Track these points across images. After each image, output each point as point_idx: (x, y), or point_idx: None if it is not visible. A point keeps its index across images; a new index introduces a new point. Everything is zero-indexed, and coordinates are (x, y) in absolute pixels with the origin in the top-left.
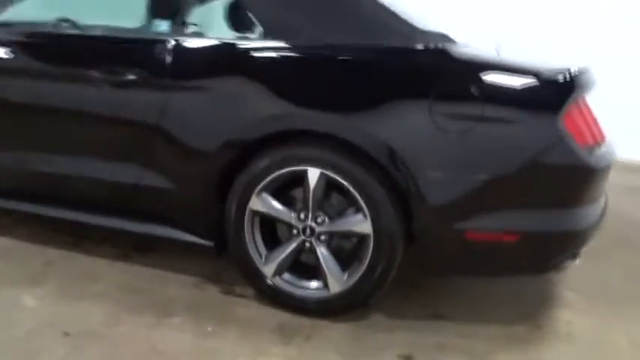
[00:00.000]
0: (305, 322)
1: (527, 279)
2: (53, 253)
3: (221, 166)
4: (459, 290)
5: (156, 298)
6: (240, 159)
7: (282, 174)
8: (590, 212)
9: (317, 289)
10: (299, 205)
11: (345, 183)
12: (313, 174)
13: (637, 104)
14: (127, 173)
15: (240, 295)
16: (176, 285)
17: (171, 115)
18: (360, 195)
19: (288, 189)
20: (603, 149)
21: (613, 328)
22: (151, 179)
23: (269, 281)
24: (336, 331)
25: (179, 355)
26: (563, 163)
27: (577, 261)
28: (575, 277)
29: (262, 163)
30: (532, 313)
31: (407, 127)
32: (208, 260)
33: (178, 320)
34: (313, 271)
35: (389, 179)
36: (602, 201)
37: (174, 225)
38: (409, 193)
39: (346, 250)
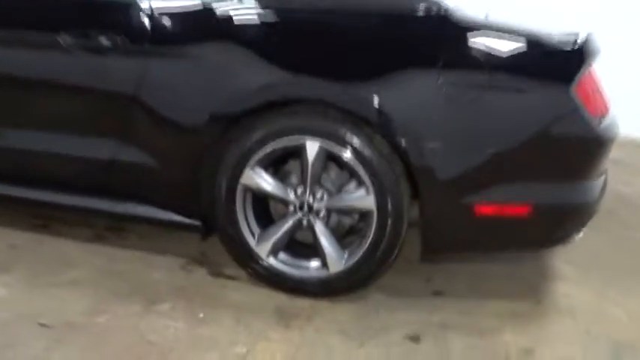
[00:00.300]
0: (304, 303)
1: (521, 254)
2: (18, 237)
3: (208, 140)
4: (454, 266)
5: (140, 283)
6: (230, 132)
7: (278, 147)
8: (598, 185)
9: (316, 269)
10: (295, 181)
11: (346, 156)
12: (312, 147)
13: (620, 79)
14: (101, 149)
15: (231, 277)
16: (160, 268)
17: (151, 85)
18: (363, 169)
19: (281, 163)
20: (609, 120)
21: (610, 301)
22: (130, 155)
23: (263, 262)
24: (337, 312)
25: (171, 345)
26: (576, 133)
27: (581, 234)
28: (567, 250)
29: (256, 135)
30: (530, 287)
31: (413, 96)
32: (191, 241)
33: (167, 306)
34: (310, 250)
35: (394, 152)
36: (605, 174)
37: (157, 204)
38: (415, 166)
39: (346, 227)
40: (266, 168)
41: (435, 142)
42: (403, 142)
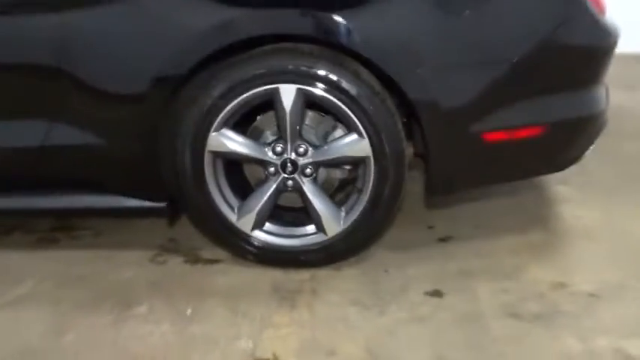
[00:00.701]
0: (303, 276)
1: (512, 185)
2: None
3: (159, 106)
4: (451, 209)
5: (106, 286)
6: (184, 91)
7: (245, 101)
8: (604, 92)
9: (310, 235)
10: (271, 137)
11: (330, 98)
12: (287, 92)
13: None
14: (28, 134)
15: (212, 261)
16: (127, 264)
17: (76, 49)
18: (352, 110)
19: (248, 122)
20: (609, 20)
21: (621, 215)
22: (65, 137)
23: (249, 237)
24: (343, 280)
25: (162, 354)
26: (586, 33)
27: (590, 149)
28: None
29: (217, 90)
30: (536, 216)
31: (397, 16)
32: (157, 228)
33: (145, 308)
34: (300, 214)
35: (386, 85)
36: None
37: (108, 191)
38: (411, 97)
39: (336, 184)
40: (234, 128)
41: (429, 66)
42: (394, 73)
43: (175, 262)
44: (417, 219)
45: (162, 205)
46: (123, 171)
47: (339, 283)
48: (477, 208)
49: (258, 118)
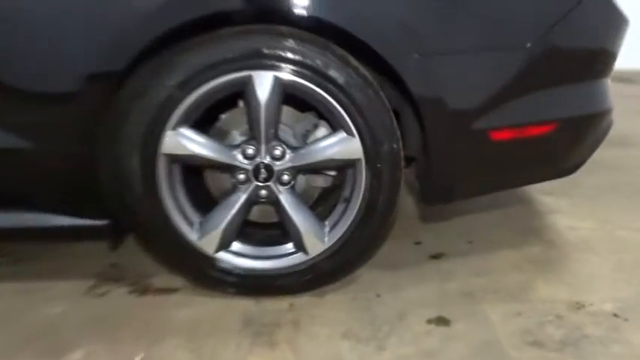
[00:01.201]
0: (281, 305)
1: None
2: None
3: (97, 103)
4: (436, 224)
5: (30, 326)
6: (130, 84)
7: (209, 91)
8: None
9: (288, 255)
10: (239, 138)
11: (314, 87)
12: (262, 81)
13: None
14: None
15: (166, 290)
16: (56, 299)
17: None
18: (341, 102)
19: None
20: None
21: (615, 224)
22: None
23: (213, 260)
24: (330, 307)
25: None
26: (599, 16)
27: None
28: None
29: (171, 79)
30: (529, 230)
31: None
32: (96, 253)
33: (81, 354)
34: (275, 231)
35: (377, 75)
36: None
37: (33, 206)
38: (412, 86)
39: (315, 195)
40: (195, 127)
41: (431, 50)
42: (390, 56)
43: (119, 294)
44: (401, 234)
45: (102, 223)
46: (53, 181)
47: (326, 312)
48: (463, 221)
49: (222, 116)
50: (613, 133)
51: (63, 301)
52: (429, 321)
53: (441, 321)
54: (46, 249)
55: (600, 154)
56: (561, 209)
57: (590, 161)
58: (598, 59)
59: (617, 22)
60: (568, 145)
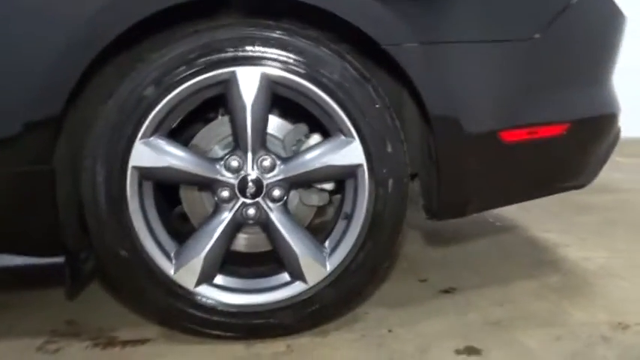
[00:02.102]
0: (277, 348)
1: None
2: None
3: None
4: (436, 259)
5: None
6: (94, 84)
7: (186, 92)
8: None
9: (282, 286)
10: (221, 153)
11: (307, 85)
12: (248, 79)
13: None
14: None
15: (134, 342)
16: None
17: None
18: (338, 100)
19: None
20: None
21: (625, 252)
22: None
23: (192, 296)
24: (336, 347)
25: None
26: (601, 7)
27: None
28: (535, 220)
29: (144, 79)
30: (540, 262)
31: None
32: (46, 307)
33: None
34: (264, 260)
35: (377, 70)
36: None
37: None
38: (419, 83)
39: (312, 214)
40: (170, 136)
41: (437, 42)
42: (393, 51)
43: (77, 348)
44: (402, 273)
45: (57, 260)
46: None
47: (331, 353)
48: (467, 258)
49: (200, 132)
50: (595, 181)
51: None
52: (458, 351)
53: (472, 351)
54: None
55: (590, 199)
56: (568, 243)
57: (582, 205)
58: (605, 54)
59: (616, 17)
60: (581, 149)
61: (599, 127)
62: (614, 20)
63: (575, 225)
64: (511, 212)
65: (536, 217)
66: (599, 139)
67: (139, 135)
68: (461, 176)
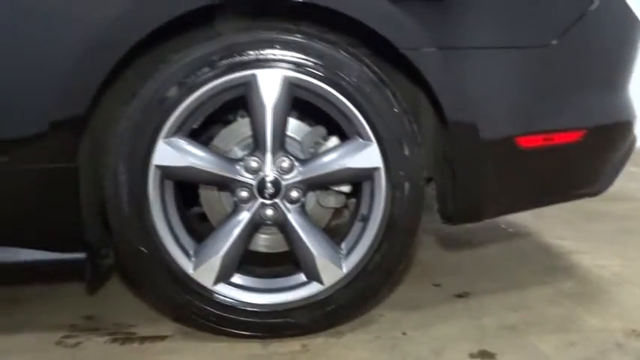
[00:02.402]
0: (292, 347)
1: (507, 242)
2: None
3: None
4: (450, 264)
5: None
6: (119, 84)
7: (208, 94)
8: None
9: (299, 286)
10: (240, 154)
11: (327, 88)
12: (269, 81)
13: None
14: None
15: (153, 338)
16: (19, 353)
17: None
18: (356, 103)
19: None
20: None
21: (638, 259)
22: None
23: (210, 294)
24: (351, 348)
25: None
26: (619, 14)
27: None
28: (547, 228)
29: (168, 80)
30: (554, 268)
31: None
32: (65, 305)
33: None
34: (280, 260)
35: (395, 73)
36: None
37: None
38: (437, 87)
39: (328, 216)
40: (191, 137)
41: (457, 47)
42: (411, 55)
43: (95, 343)
44: (416, 278)
45: (79, 256)
46: (23, 204)
47: (346, 353)
48: (481, 264)
49: (220, 133)
50: (610, 189)
51: (27, 352)
52: (472, 355)
53: (486, 354)
54: (2, 303)
55: (604, 207)
56: (582, 250)
57: (596, 213)
58: (618, 61)
59: (634, 24)
60: (597, 156)
61: (614, 134)
62: (631, 28)
63: (590, 233)
64: (525, 220)
65: (550, 224)
66: (615, 147)
67: (162, 134)
68: (476, 181)
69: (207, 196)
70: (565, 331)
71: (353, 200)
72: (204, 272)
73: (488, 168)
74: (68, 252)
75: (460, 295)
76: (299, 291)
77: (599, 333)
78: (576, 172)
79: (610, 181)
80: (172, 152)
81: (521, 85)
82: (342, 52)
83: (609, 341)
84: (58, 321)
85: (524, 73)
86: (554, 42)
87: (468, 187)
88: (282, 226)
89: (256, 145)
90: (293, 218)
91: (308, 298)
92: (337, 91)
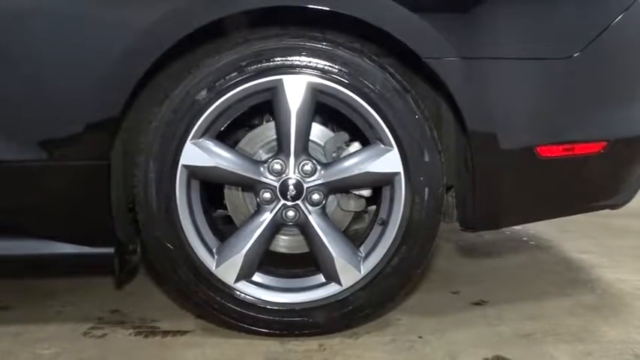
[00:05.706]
0: (309, 346)
1: (528, 254)
2: None
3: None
4: (465, 270)
5: None
6: (151, 85)
7: (235, 98)
8: None
9: (317, 287)
10: (264, 156)
11: (350, 94)
12: (294, 87)
13: None
14: None
15: (175, 332)
16: (49, 342)
17: None
18: (378, 109)
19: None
20: None
21: None
22: None
23: (231, 291)
24: (367, 348)
25: None
26: None
27: None
28: (568, 237)
29: (198, 83)
30: (575, 281)
31: None
32: (93, 298)
33: None
34: (299, 261)
35: (414, 77)
36: None
37: (29, 231)
38: (458, 95)
39: (349, 219)
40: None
41: (478, 57)
42: (433, 65)
43: (121, 335)
44: (434, 285)
45: (108, 251)
46: (56, 201)
47: (362, 353)
48: (500, 274)
49: (246, 137)
50: (632, 205)
51: (56, 342)
52: None
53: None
54: (33, 295)
55: (627, 223)
56: (604, 265)
57: (619, 228)
58: None
59: None
60: (617, 168)
61: (636, 147)
62: None
63: (612, 248)
64: (546, 232)
65: (571, 238)
66: (636, 160)
67: (190, 136)
68: (496, 189)
69: (232, 196)
70: (582, 341)
71: (373, 207)
72: (226, 270)
73: (508, 177)
74: (98, 247)
75: (478, 303)
76: (317, 291)
77: (617, 344)
78: (596, 184)
79: (631, 195)
80: (200, 153)
81: (543, 95)
82: (366, 59)
83: (627, 352)
84: (87, 314)
85: (546, 84)
86: (577, 54)
87: (488, 195)
88: (303, 227)
89: (280, 149)
90: (314, 220)
91: (326, 298)
92: (360, 97)
